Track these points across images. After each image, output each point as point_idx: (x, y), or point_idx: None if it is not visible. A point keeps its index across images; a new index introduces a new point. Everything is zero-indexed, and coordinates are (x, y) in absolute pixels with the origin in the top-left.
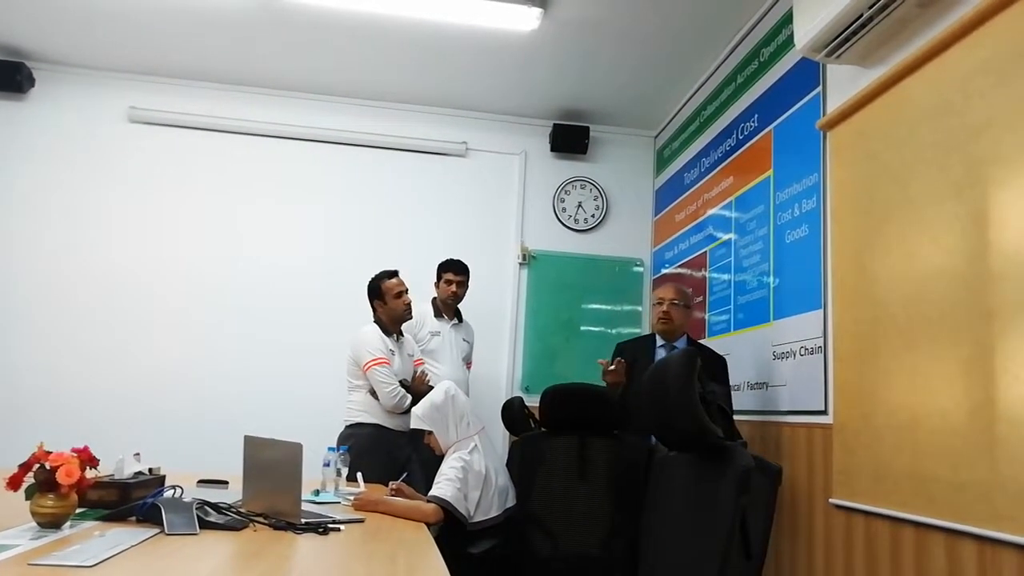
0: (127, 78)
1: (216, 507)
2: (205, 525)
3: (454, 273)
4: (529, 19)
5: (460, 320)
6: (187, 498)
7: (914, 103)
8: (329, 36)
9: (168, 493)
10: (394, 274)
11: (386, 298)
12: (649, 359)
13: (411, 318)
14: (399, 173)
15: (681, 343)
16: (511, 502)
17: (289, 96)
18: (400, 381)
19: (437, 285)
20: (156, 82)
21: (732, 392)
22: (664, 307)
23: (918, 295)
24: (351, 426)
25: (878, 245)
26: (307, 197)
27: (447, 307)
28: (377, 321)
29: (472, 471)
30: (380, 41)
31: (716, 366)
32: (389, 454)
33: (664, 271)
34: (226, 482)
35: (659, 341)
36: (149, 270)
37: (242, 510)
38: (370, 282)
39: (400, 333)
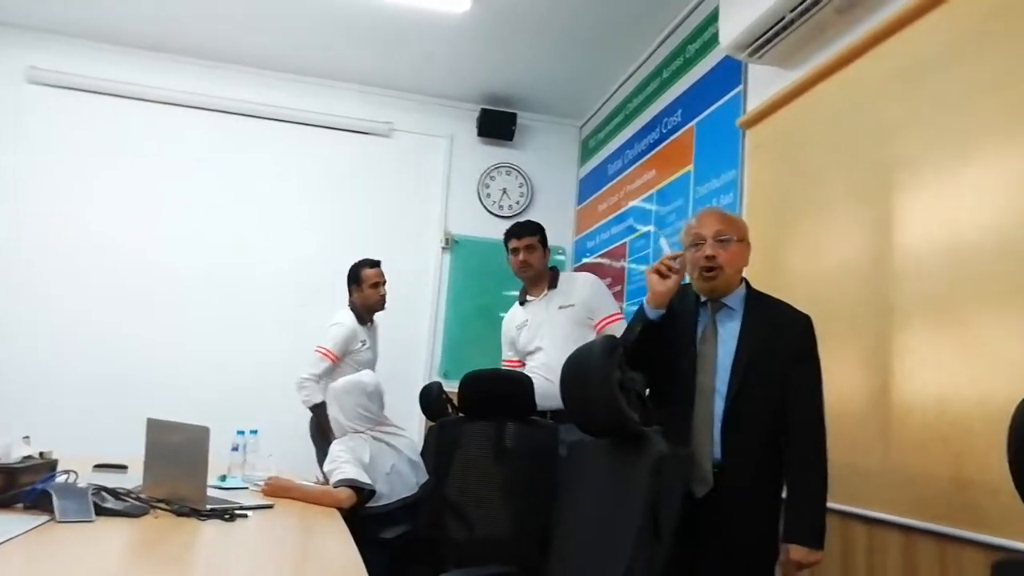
0: (29, 36)
1: (114, 492)
2: (101, 512)
3: (516, 238)
4: (460, 1)
5: (554, 286)
6: (82, 483)
7: (828, 106)
8: (253, 4)
9: (61, 478)
10: (376, 264)
11: (363, 286)
12: (691, 329)
13: (383, 309)
14: (321, 150)
15: (736, 300)
16: (409, 491)
17: (206, 65)
18: None
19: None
20: (60, 41)
21: None
22: (706, 249)
23: (825, 291)
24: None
25: (789, 242)
26: (221, 171)
27: (528, 281)
28: (351, 306)
29: (355, 454)
30: (307, 13)
31: (795, 333)
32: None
33: (584, 260)
34: (125, 467)
35: (701, 298)
36: (40, 241)
37: (142, 496)
38: (351, 267)
39: (372, 320)
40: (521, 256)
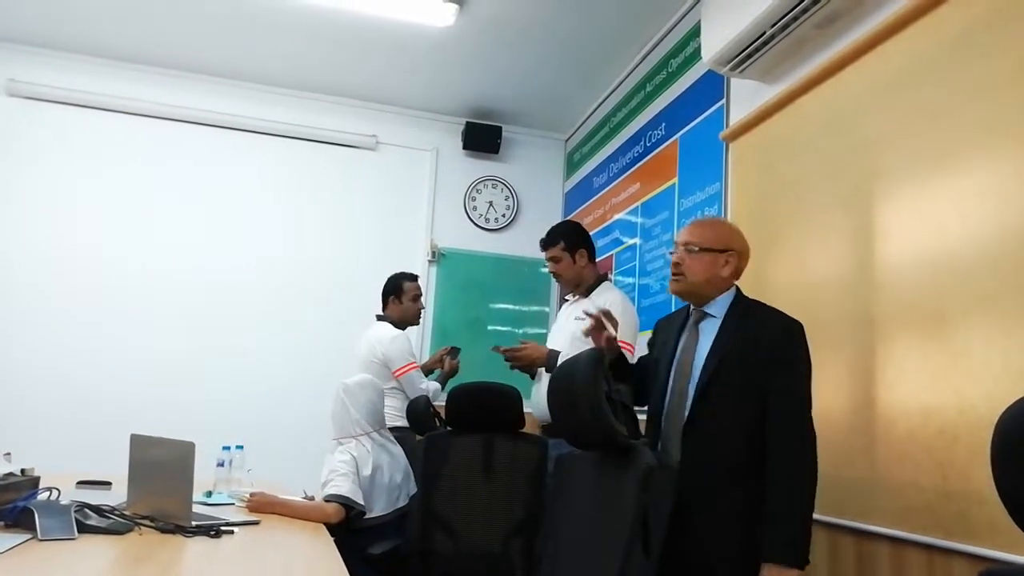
0: (7, 48)
1: (97, 509)
2: (85, 529)
3: (543, 250)
4: (444, 15)
5: (587, 294)
6: (65, 500)
7: (810, 119)
8: (236, 16)
9: (43, 495)
10: (415, 277)
11: (403, 298)
12: (673, 341)
13: (418, 324)
14: (307, 163)
15: (718, 307)
16: (402, 502)
17: (190, 78)
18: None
19: None
20: (40, 54)
21: None
22: (674, 257)
23: (810, 302)
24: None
25: (774, 253)
26: (206, 184)
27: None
28: (389, 320)
29: (357, 466)
30: (291, 27)
31: (777, 337)
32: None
33: None
34: (109, 483)
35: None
36: (19, 254)
37: (126, 512)
38: (392, 278)
39: None
40: (549, 268)
